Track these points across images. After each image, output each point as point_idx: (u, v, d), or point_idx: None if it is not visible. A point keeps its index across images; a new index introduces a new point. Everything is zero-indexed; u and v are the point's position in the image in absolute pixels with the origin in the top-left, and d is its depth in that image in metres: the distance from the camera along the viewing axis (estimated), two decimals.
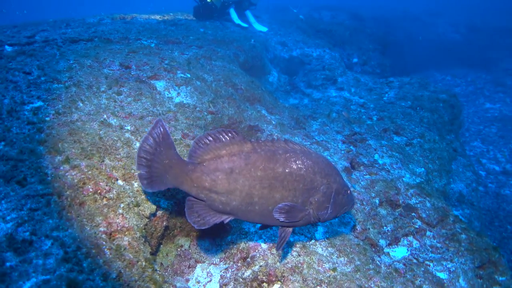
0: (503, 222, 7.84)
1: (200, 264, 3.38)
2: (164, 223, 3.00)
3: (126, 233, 2.29)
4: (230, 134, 2.18)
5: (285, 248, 2.81)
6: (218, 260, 3.33)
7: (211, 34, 7.37)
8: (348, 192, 2.43)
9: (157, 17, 9.08)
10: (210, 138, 2.17)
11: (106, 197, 2.43)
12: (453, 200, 5.88)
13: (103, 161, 2.79)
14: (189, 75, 4.96)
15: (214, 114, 4.55)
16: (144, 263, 2.17)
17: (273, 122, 4.78)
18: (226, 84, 5.20)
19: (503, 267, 3.48)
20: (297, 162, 2.19)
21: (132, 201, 2.56)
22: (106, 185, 2.52)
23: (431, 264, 3.47)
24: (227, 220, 2.28)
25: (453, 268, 3.42)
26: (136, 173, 2.33)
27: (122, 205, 2.44)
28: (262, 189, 2.16)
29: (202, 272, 3.32)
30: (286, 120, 5.16)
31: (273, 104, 5.39)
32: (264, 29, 9.65)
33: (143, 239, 2.45)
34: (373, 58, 11.18)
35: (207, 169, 2.16)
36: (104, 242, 2.09)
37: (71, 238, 1.99)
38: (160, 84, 4.54)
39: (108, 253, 2.02)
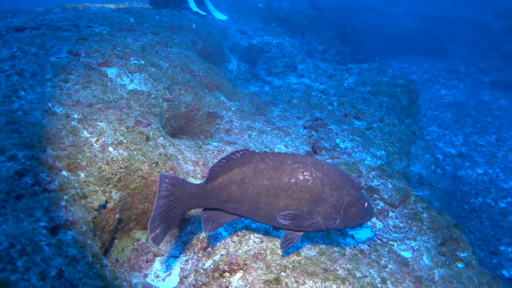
0: (460, 202, 8.11)
1: (159, 257, 3.20)
2: (117, 215, 2.80)
3: (70, 227, 2.09)
4: (241, 152, 2.29)
5: (289, 248, 2.71)
6: (178, 252, 3.16)
7: (167, 21, 7.09)
8: (365, 205, 2.45)
9: (111, 6, 8.68)
10: (224, 161, 2.29)
11: (46, 189, 2.21)
12: (413, 182, 5.97)
13: (45, 151, 2.55)
14: (143, 62, 4.71)
15: (170, 101, 4.35)
16: (91, 259, 1.98)
17: (233, 109, 4.63)
18: (182, 70, 4.99)
19: (465, 243, 3.53)
20: (305, 173, 2.27)
21: (77, 192, 2.35)
22: (47, 176, 2.29)
23: (395, 244, 3.45)
24: (236, 218, 2.47)
25: (417, 247, 3.42)
26: (150, 237, 2.25)
27: (65, 197, 2.23)
28: (268, 197, 2.28)
29: (161, 266, 3.14)
30: (246, 106, 5.02)
31: (232, 91, 5.24)
32: (224, 17, 9.43)
33: (91, 233, 2.25)
34: (333, 46, 11.21)
35: (223, 184, 2.30)
36: (43, 238, 1.88)
37: (4, 235, 1.77)
38: (111, 71, 4.28)
39: (48, 249, 1.82)
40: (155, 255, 3.21)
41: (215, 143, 3.83)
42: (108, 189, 2.75)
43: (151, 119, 3.64)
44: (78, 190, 2.38)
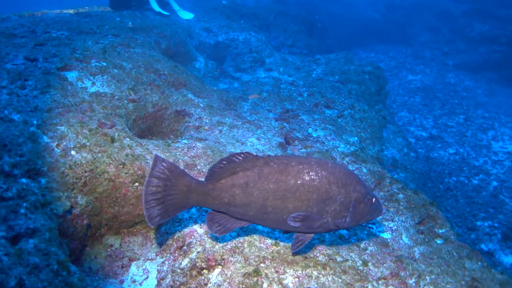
0: (435, 182, 8.26)
1: (135, 261, 3.09)
2: (85, 221, 2.67)
3: (32, 235, 1.97)
4: (242, 155, 2.26)
5: (301, 249, 2.62)
6: (154, 254, 3.06)
7: (129, 23, 6.92)
8: (373, 200, 2.41)
9: (71, 11, 8.41)
10: (225, 162, 2.25)
11: (3, 197, 2.07)
12: (387, 165, 6.03)
13: (1, 158, 2.40)
14: (105, 64, 4.56)
15: (136, 101, 4.22)
16: (56, 267, 1.86)
17: (201, 105, 4.54)
18: (147, 70, 4.86)
19: (442, 219, 3.56)
20: (311, 173, 2.24)
21: (38, 199, 2.22)
22: (4, 184, 2.15)
23: (374, 227, 3.44)
24: (246, 225, 2.39)
25: (395, 227, 3.42)
26: (146, 217, 2.22)
27: (25, 205, 2.09)
28: (275, 200, 2.24)
29: (138, 270, 3.04)
30: (215, 102, 4.93)
31: (200, 88, 5.14)
32: (190, 16, 9.30)
33: (57, 241, 2.12)
34: (300, 39, 11.24)
35: (225, 186, 2.26)
36: (1, 248, 1.75)
37: None
38: (72, 75, 4.12)
39: (6, 259, 1.69)
40: (131, 260, 3.10)
41: (184, 141, 3.73)
42: (73, 194, 2.62)
43: (115, 121, 3.51)
44: (39, 196, 2.25)
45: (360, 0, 19.35)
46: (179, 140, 3.75)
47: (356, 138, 5.17)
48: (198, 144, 3.61)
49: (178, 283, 2.53)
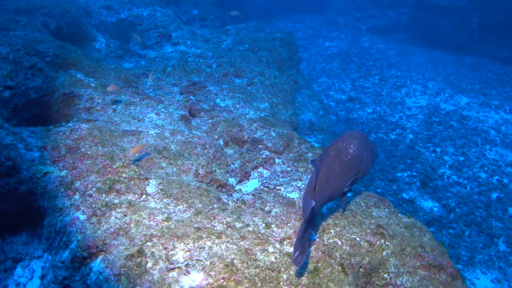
0: None
1: (20, 262, 2.75)
2: None
3: None
4: (319, 158, 2.54)
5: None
6: (42, 251, 2.74)
7: (13, 5, 6.19)
8: (373, 145, 2.94)
9: None
10: (315, 172, 2.45)
11: None
12: (305, 129, 6.04)
13: None
14: None
15: (13, 88, 3.75)
16: None
17: (92, 85, 4.14)
18: (28, 53, 4.34)
19: None
20: (351, 146, 2.66)
21: None
22: None
23: (282, 188, 3.37)
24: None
25: (303, 186, 3.37)
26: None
27: None
28: (341, 179, 2.63)
29: (23, 271, 2.71)
30: (112, 81, 4.56)
31: (94, 67, 4.71)
32: None
33: None
34: (212, 12, 10.91)
35: (319, 191, 2.45)
36: None
37: None
38: None
39: None
40: (15, 261, 2.76)
41: (69, 124, 3.37)
42: None
43: None
44: None
45: None
46: (63, 124, 3.38)
47: (266, 104, 5.07)
48: (83, 125, 3.26)
49: (60, 277, 2.26)
